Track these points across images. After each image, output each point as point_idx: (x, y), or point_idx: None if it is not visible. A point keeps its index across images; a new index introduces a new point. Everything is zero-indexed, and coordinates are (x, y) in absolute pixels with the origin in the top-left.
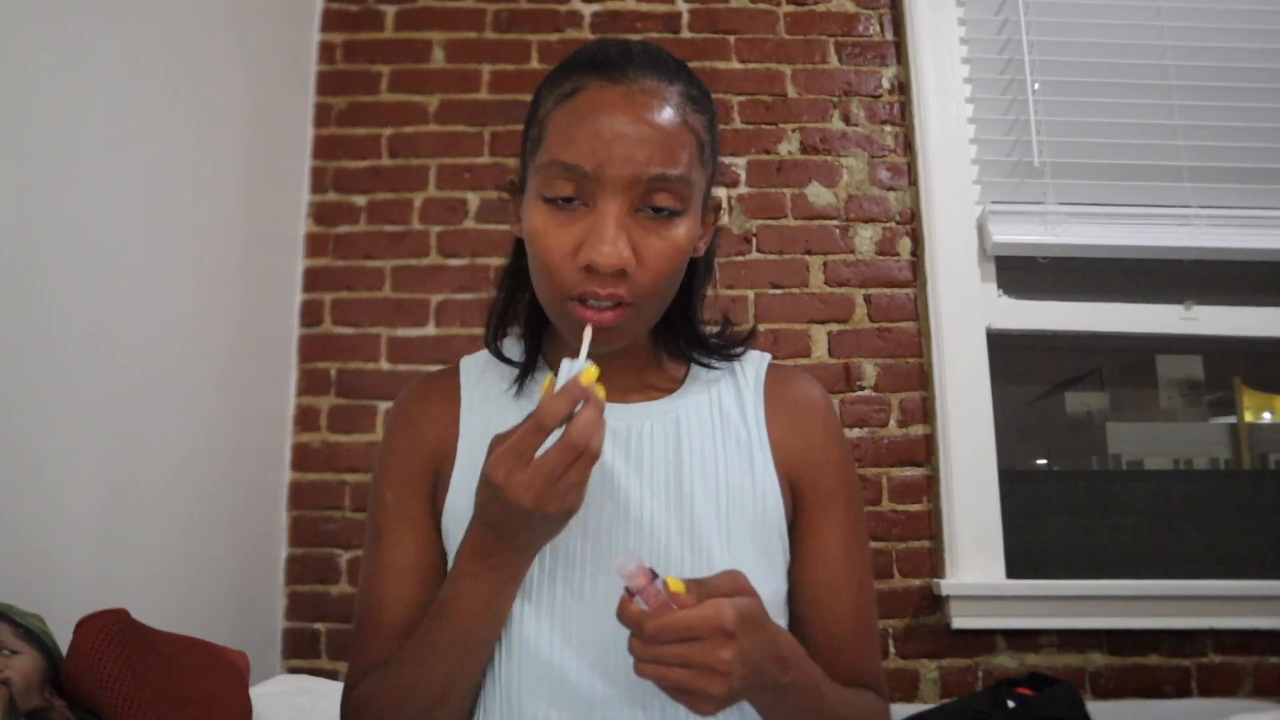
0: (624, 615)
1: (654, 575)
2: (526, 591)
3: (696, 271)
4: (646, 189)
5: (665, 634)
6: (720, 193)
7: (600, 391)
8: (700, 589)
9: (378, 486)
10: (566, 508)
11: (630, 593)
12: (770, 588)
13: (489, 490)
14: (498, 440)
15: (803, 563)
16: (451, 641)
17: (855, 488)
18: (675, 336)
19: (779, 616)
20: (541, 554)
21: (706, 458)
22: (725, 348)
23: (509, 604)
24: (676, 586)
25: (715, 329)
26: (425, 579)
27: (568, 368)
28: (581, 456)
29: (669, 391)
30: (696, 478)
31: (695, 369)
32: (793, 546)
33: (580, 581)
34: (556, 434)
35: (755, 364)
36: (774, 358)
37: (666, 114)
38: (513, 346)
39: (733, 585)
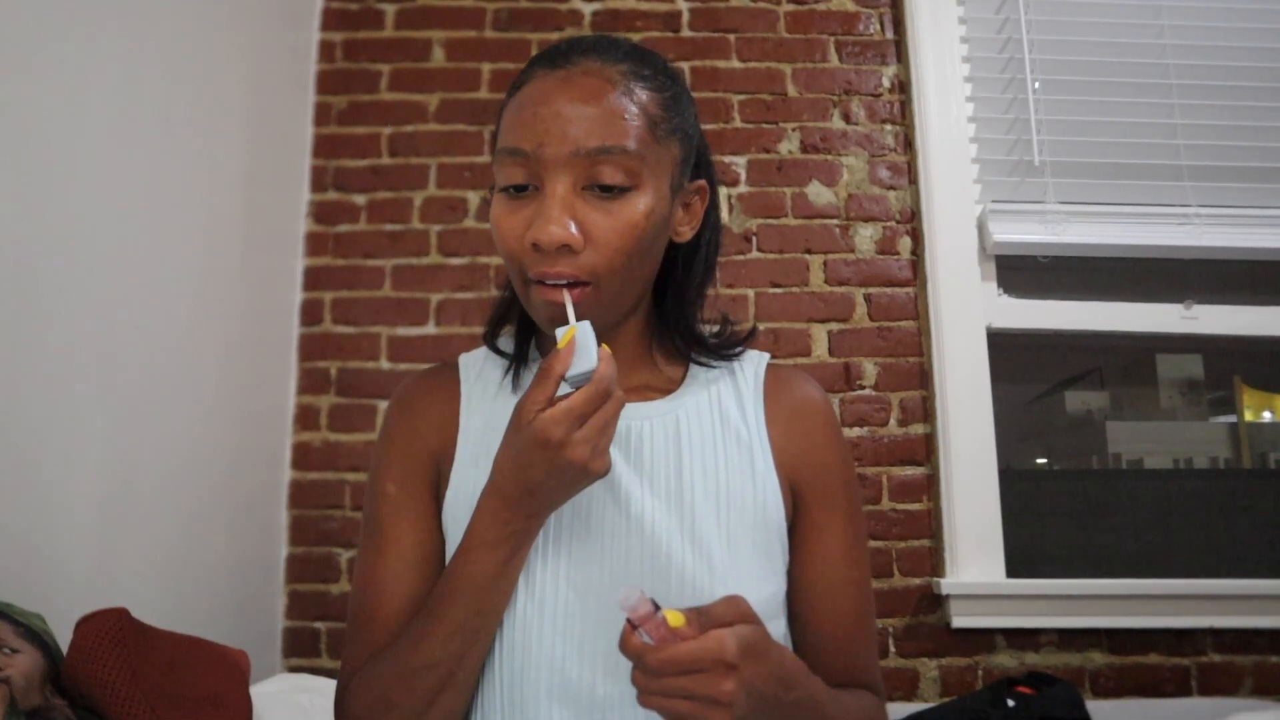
0: (626, 648)
1: (656, 607)
2: (530, 590)
3: (691, 264)
4: (589, 163)
5: (667, 667)
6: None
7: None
8: (701, 618)
9: (377, 480)
10: (608, 464)
11: (633, 625)
12: (770, 588)
13: (542, 451)
14: (530, 404)
15: (803, 564)
16: (465, 616)
17: (855, 489)
18: (671, 335)
19: (777, 617)
20: (545, 554)
21: (707, 458)
22: (723, 347)
23: (516, 577)
24: (676, 621)
25: (714, 328)
26: (427, 572)
27: (587, 330)
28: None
29: (667, 392)
30: (697, 478)
31: (694, 369)
32: (792, 547)
33: (583, 581)
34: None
35: (754, 364)
36: (774, 357)
37: (606, 91)
38: (508, 344)
39: (734, 612)
